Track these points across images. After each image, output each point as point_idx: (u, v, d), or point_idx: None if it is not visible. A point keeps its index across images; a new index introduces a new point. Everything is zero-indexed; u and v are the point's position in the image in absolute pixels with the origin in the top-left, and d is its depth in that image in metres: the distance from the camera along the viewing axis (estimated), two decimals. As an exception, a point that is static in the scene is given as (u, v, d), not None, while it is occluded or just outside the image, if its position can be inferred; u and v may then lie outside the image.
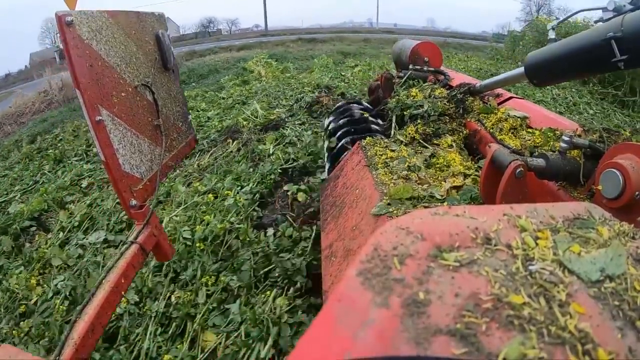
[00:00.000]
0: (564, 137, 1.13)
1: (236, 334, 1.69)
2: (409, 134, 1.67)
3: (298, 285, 1.90)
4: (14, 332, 2.04)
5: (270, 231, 2.42)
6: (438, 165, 1.42)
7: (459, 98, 1.83)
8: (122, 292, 1.17)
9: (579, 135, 1.20)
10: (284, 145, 3.80)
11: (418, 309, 0.34)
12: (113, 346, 1.83)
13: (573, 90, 6.03)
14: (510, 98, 1.89)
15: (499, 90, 1.96)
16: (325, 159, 2.25)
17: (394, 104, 1.92)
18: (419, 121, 1.73)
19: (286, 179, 3.16)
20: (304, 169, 3.24)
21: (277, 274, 1.98)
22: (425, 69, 2.31)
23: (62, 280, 2.31)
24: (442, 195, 1.21)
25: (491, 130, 1.60)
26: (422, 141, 1.62)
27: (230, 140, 4.22)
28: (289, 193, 2.87)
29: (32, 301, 2.28)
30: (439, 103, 1.79)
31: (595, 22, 1.34)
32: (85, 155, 4.93)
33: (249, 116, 5.01)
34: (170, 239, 2.04)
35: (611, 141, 1.14)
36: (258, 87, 7.37)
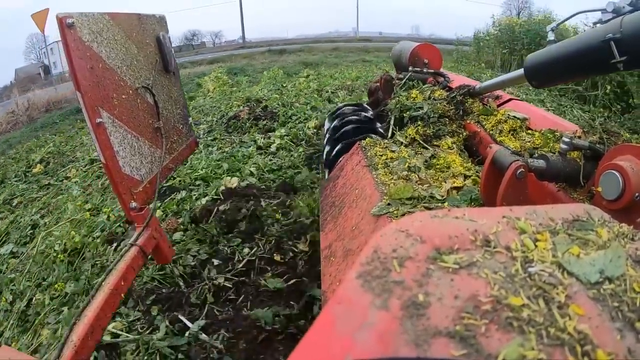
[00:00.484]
0: (564, 138, 1.14)
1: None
2: (409, 135, 1.67)
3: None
4: None
5: (114, 246, 2.62)
6: (438, 166, 1.42)
7: (459, 100, 1.83)
8: (122, 294, 1.17)
9: (579, 137, 1.20)
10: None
11: (417, 311, 0.34)
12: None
13: (530, 88, 6.04)
14: (510, 100, 1.89)
15: (499, 92, 1.97)
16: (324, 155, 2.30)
17: (393, 105, 1.93)
18: (419, 123, 1.73)
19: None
20: (173, 188, 3.33)
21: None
22: (424, 70, 2.32)
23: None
24: (442, 196, 1.21)
25: (491, 132, 1.60)
26: (422, 142, 1.63)
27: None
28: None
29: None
30: (438, 105, 1.79)
31: (594, 23, 1.34)
32: (24, 176, 5.17)
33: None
34: (46, 251, 2.56)
35: (611, 142, 1.15)
36: (200, 103, 7.54)
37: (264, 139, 4.37)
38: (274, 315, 1.72)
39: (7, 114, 12.02)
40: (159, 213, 2.82)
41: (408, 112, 1.82)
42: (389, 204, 1.16)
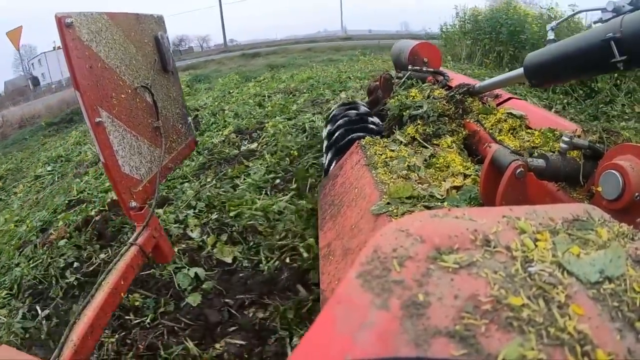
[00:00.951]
0: (564, 137, 1.14)
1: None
2: (409, 134, 1.67)
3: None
4: None
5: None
6: (438, 165, 1.42)
7: (458, 99, 1.83)
8: (122, 294, 1.17)
9: (579, 136, 1.20)
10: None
11: (417, 311, 0.34)
12: None
13: (485, 78, 5.96)
14: (510, 99, 1.89)
15: (498, 91, 1.97)
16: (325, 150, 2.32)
17: (393, 104, 1.93)
18: (418, 121, 1.73)
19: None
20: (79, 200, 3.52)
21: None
22: (424, 69, 2.32)
23: None
24: (441, 195, 1.21)
25: (490, 131, 1.60)
26: (421, 141, 1.63)
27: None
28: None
29: None
30: (438, 104, 1.79)
31: (594, 22, 1.34)
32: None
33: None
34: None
35: (611, 142, 1.15)
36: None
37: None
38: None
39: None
40: (60, 223, 3.01)
41: (407, 111, 1.82)
42: (388, 203, 1.16)
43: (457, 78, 2.25)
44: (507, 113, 1.65)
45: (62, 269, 2.37)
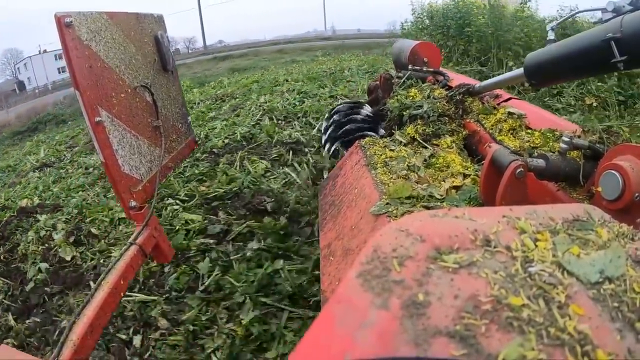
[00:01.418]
0: (563, 137, 1.14)
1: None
2: (409, 134, 1.67)
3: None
4: None
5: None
6: (437, 166, 1.42)
7: (458, 99, 1.83)
8: (121, 293, 1.17)
9: (579, 136, 1.20)
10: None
11: (417, 311, 0.34)
12: None
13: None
14: (510, 99, 1.89)
15: (498, 91, 1.97)
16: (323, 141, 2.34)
17: (393, 104, 1.93)
18: (418, 122, 1.73)
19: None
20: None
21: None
22: (424, 69, 2.31)
23: None
24: (441, 195, 1.21)
25: (490, 131, 1.60)
26: (421, 141, 1.63)
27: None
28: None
29: None
30: (438, 104, 1.79)
31: (595, 23, 1.34)
32: None
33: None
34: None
35: (610, 142, 1.15)
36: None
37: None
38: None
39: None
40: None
41: (407, 111, 1.82)
42: (388, 203, 1.16)
43: (457, 78, 2.25)
44: (508, 113, 1.65)
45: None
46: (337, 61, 9.71)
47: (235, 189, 2.90)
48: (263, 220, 2.40)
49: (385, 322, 0.33)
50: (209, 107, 5.86)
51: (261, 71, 10.68)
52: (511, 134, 1.56)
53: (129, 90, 1.41)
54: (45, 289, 2.38)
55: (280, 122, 4.48)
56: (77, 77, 1.15)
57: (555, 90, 4.42)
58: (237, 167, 3.30)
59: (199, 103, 6.42)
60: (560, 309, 0.34)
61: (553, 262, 0.39)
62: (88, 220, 2.97)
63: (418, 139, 1.64)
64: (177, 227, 2.53)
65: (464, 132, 1.70)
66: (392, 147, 1.55)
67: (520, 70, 1.47)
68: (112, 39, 1.33)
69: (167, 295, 2.06)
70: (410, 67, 2.33)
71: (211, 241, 2.39)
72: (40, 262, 2.60)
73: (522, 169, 1.03)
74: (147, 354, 1.77)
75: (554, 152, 1.21)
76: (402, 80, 2.22)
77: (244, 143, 3.88)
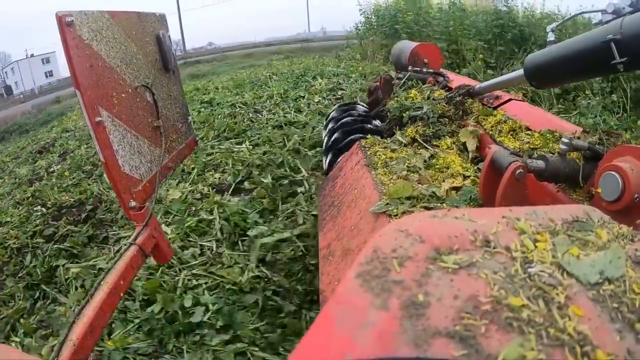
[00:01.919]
0: (563, 139, 1.14)
1: None
2: (409, 135, 1.67)
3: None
4: None
5: None
6: (437, 166, 1.42)
7: (458, 100, 1.83)
8: (121, 294, 1.17)
9: (578, 137, 1.20)
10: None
11: (417, 311, 0.34)
12: None
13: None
14: (510, 100, 1.89)
15: (498, 92, 1.97)
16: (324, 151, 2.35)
17: (393, 105, 1.93)
18: (418, 123, 1.73)
19: None
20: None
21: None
22: (424, 70, 2.32)
23: None
24: (441, 196, 1.21)
25: (490, 132, 1.60)
26: (422, 142, 1.63)
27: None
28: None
29: None
30: (438, 105, 1.79)
31: (595, 24, 1.34)
32: None
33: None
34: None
35: (610, 143, 1.15)
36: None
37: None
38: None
39: None
40: None
41: (407, 112, 1.82)
42: (387, 204, 1.16)
43: (457, 79, 2.26)
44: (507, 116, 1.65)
45: None
46: (280, 66, 9.81)
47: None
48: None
49: (385, 323, 0.33)
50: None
51: (212, 77, 10.85)
52: (511, 135, 1.56)
53: (130, 90, 1.41)
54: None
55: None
56: (77, 77, 1.15)
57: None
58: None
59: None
60: (560, 309, 0.34)
61: (553, 262, 0.39)
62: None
63: (418, 139, 1.64)
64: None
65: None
66: (393, 148, 1.55)
67: (521, 71, 1.47)
68: (113, 38, 1.33)
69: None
70: (410, 68, 2.34)
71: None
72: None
73: (522, 170, 1.03)
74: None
75: (553, 153, 1.21)
76: (402, 82, 2.22)
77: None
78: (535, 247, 0.41)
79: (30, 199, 3.78)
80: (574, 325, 0.33)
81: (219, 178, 3.35)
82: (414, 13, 7.00)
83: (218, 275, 2.17)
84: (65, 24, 1.11)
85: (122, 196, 1.32)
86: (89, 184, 3.82)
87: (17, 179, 4.86)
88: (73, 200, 3.39)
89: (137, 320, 1.94)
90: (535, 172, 1.10)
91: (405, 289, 0.36)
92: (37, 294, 2.43)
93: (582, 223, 0.45)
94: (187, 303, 1.95)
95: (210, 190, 3.15)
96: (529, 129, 1.56)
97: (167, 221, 2.74)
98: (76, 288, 2.34)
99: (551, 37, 1.63)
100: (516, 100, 1.89)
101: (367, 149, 1.55)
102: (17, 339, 2.09)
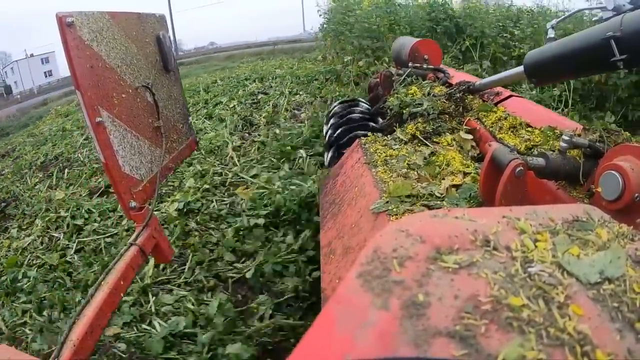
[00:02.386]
0: (564, 136, 1.13)
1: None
2: (409, 132, 1.67)
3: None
4: None
5: None
6: (437, 164, 1.42)
7: (459, 96, 1.83)
8: (121, 294, 1.17)
9: (579, 135, 1.20)
10: None
11: (417, 311, 0.34)
12: None
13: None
14: (510, 96, 1.89)
15: (499, 89, 1.96)
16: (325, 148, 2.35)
17: (393, 102, 1.92)
18: (418, 119, 1.73)
19: None
20: None
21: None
22: (424, 66, 2.31)
23: None
24: (441, 194, 1.21)
25: (491, 129, 1.60)
26: (422, 139, 1.62)
27: None
28: None
29: None
30: (438, 101, 1.79)
31: (595, 21, 1.34)
32: None
33: None
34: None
35: (611, 141, 1.14)
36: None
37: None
38: None
39: None
40: None
41: (408, 109, 1.81)
42: (387, 202, 1.16)
43: (457, 76, 2.25)
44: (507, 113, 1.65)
45: None
46: (241, 69, 9.83)
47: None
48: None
49: (385, 323, 0.33)
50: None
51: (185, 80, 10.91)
52: (511, 131, 1.56)
53: (130, 91, 1.41)
54: None
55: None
56: (78, 77, 1.15)
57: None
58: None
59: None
60: (560, 309, 0.34)
61: (553, 262, 0.39)
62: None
63: (419, 136, 1.64)
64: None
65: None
66: (393, 145, 1.55)
67: (520, 68, 1.47)
68: (113, 39, 1.32)
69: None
70: (410, 64, 2.33)
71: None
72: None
73: (522, 168, 1.03)
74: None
75: (554, 151, 1.21)
76: (402, 78, 2.22)
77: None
78: (536, 246, 0.41)
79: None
80: (574, 324, 0.33)
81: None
82: (339, 13, 6.86)
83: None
84: (65, 24, 1.11)
85: (123, 196, 1.32)
86: (18, 186, 4.50)
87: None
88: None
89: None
90: (536, 170, 1.09)
91: (406, 289, 0.36)
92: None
93: (582, 222, 0.45)
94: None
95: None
96: (530, 126, 1.55)
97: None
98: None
99: (551, 34, 1.62)
100: (516, 96, 1.89)
101: (367, 146, 1.55)
102: None
